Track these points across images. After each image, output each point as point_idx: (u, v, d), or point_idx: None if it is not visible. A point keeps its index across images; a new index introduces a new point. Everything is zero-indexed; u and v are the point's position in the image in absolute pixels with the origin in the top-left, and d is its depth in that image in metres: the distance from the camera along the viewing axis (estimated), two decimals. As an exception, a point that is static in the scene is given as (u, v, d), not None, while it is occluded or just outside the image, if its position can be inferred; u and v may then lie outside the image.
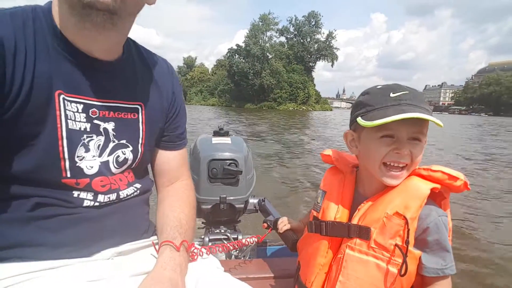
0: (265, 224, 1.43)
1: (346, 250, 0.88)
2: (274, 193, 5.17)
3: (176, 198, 0.93)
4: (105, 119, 0.78)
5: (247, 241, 1.32)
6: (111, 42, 0.74)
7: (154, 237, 0.91)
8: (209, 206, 1.61)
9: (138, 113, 0.84)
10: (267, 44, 64.09)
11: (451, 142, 14.54)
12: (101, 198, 0.78)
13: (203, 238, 1.65)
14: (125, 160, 0.83)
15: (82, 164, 0.75)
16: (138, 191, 0.88)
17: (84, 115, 0.74)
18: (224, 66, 76.97)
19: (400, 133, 0.83)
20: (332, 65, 73.54)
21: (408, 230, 0.80)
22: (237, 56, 64.78)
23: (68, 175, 0.73)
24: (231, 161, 1.61)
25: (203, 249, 0.89)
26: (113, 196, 0.81)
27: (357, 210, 0.90)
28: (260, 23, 64.06)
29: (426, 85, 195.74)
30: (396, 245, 0.81)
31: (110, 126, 0.79)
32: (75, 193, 0.75)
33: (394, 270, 0.81)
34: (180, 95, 0.98)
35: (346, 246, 0.88)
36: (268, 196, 1.81)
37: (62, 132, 0.71)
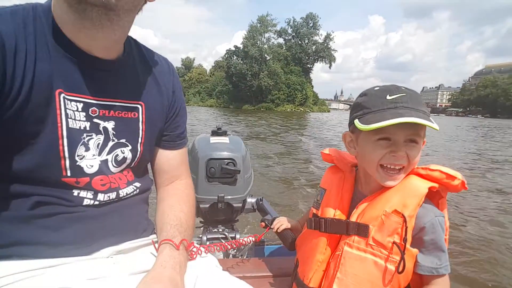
0: (263, 223, 1.43)
1: (344, 247, 0.89)
2: (272, 192, 5.18)
3: (176, 197, 0.94)
4: (105, 118, 0.78)
5: (245, 241, 1.32)
6: (110, 40, 0.74)
7: (154, 236, 0.91)
8: (207, 205, 1.62)
9: (138, 112, 0.84)
10: (265, 46, 64.09)
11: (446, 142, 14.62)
12: (101, 197, 0.78)
13: (201, 237, 1.65)
14: (124, 159, 0.83)
15: (82, 163, 0.75)
16: (137, 190, 0.88)
17: (84, 114, 0.74)
18: (222, 68, 76.85)
19: (396, 136, 0.84)
20: (330, 67, 73.69)
21: (406, 228, 0.81)
22: (235, 57, 64.75)
23: (68, 174, 0.73)
24: (229, 161, 1.62)
25: (201, 248, 0.89)
26: (112, 195, 0.81)
27: (355, 208, 0.92)
28: (258, 25, 64.07)
29: (423, 87, 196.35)
30: (394, 242, 0.82)
31: (110, 125, 0.79)
32: (75, 192, 0.75)
33: (391, 267, 0.82)
34: (181, 94, 0.98)
35: (345, 243, 0.89)
36: (266, 195, 1.82)
37: (63, 131, 0.71)
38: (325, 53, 69.73)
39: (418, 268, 0.84)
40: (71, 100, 0.72)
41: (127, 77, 0.82)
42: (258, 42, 63.33)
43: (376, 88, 0.90)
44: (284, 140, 13.16)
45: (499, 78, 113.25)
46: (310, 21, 69.41)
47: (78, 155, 0.74)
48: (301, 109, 62.80)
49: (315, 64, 72.57)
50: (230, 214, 1.70)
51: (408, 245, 0.81)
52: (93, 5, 0.64)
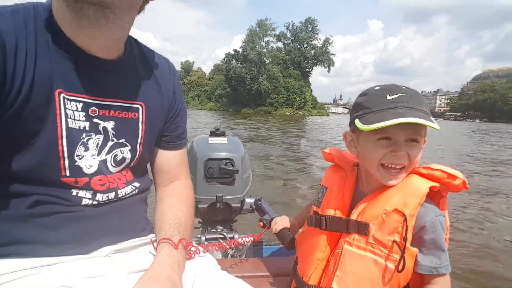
0: (261, 223, 1.43)
1: (344, 245, 0.89)
2: (271, 192, 5.21)
3: (175, 197, 0.93)
4: (104, 118, 0.78)
5: (244, 240, 1.32)
6: (109, 40, 0.73)
7: (152, 235, 0.91)
8: (206, 205, 1.62)
9: (138, 113, 0.84)
10: (264, 50, 64.38)
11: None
12: (99, 197, 0.78)
13: (200, 237, 1.65)
14: (123, 159, 0.83)
15: (81, 163, 0.74)
16: (136, 190, 0.88)
17: (84, 113, 0.74)
18: (221, 71, 77.06)
19: (397, 136, 0.84)
20: (328, 71, 73.96)
21: (407, 227, 0.81)
22: (234, 61, 64.99)
23: (67, 174, 0.73)
24: (227, 161, 1.62)
25: (200, 248, 0.88)
26: (111, 195, 0.80)
27: (356, 207, 0.92)
28: (257, 29, 64.37)
29: (422, 91, 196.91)
30: (394, 241, 0.82)
31: (109, 125, 0.79)
32: (74, 192, 0.75)
33: (391, 266, 0.82)
34: (181, 95, 0.98)
35: (345, 241, 0.89)
36: (264, 196, 1.82)
37: (62, 131, 0.71)
38: (324, 57, 70.05)
39: (418, 267, 0.84)
40: (70, 100, 0.71)
41: (128, 77, 0.82)
42: (257, 46, 63.60)
43: (376, 88, 0.90)
44: (282, 142, 13.26)
45: (497, 82, 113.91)
46: (309, 26, 69.80)
47: (77, 155, 0.74)
48: (300, 112, 62.94)
49: (314, 68, 72.95)
50: (229, 214, 1.70)
51: (408, 244, 0.81)
52: (90, 3, 0.63)
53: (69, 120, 0.71)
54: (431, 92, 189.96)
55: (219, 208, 1.62)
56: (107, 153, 0.80)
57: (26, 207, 0.70)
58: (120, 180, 0.83)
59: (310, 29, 69.77)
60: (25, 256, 0.69)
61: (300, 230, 1.17)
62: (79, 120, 0.73)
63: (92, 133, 0.76)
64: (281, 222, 1.29)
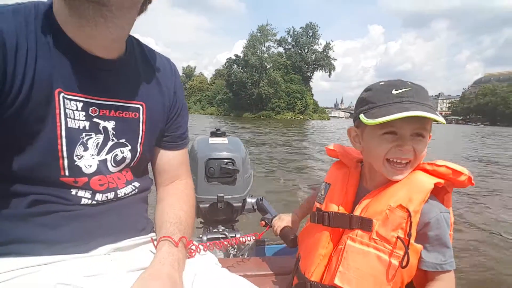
0: (263, 222, 1.43)
1: (347, 241, 0.88)
2: (272, 193, 5.22)
3: (176, 196, 0.93)
4: (105, 118, 0.78)
5: (245, 239, 1.32)
6: (108, 39, 0.72)
7: (153, 234, 0.90)
8: (207, 205, 1.62)
9: (139, 113, 0.84)
10: (265, 55, 64.54)
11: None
12: (98, 197, 0.78)
13: (201, 237, 1.65)
14: (123, 159, 0.83)
15: (80, 163, 0.74)
16: (136, 190, 0.88)
17: (84, 113, 0.74)
18: (222, 76, 77.27)
19: (402, 130, 0.83)
20: (329, 75, 74.22)
21: (411, 223, 0.80)
22: (235, 66, 65.18)
23: (67, 173, 0.73)
24: (228, 160, 1.62)
25: (200, 246, 0.88)
26: (111, 195, 0.80)
27: (359, 203, 0.91)
28: (258, 34, 64.65)
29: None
30: (398, 237, 0.81)
31: (110, 125, 0.79)
32: (73, 191, 0.75)
33: (395, 262, 0.81)
34: (182, 95, 0.98)
35: (348, 237, 0.89)
36: (266, 196, 1.82)
37: (61, 131, 0.70)
38: (324, 62, 70.26)
39: (422, 264, 0.83)
40: (70, 100, 0.71)
41: (128, 77, 0.82)
42: (258, 51, 63.80)
43: (381, 83, 0.90)
44: (283, 145, 13.34)
45: (498, 86, 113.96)
46: (309, 31, 70.14)
47: (76, 155, 0.73)
48: (301, 117, 62.97)
49: (315, 72, 73.16)
50: (230, 214, 1.70)
51: (412, 241, 0.80)
52: (87, 1, 0.63)
53: (68, 119, 0.71)
54: (432, 96, 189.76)
55: (221, 207, 1.62)
56: (107, 153, 0.79)
57: (25, 206, 0.70)
58: (120, 180, 0.83)
59: (310, 34, 70.12)
60: (24, 255, 0.69)
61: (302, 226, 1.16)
62: (79, 120, 0.73)
63: (92, 133, 0.76)
64: (283, 220, 1.29)
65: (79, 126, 0.73)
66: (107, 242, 0.78)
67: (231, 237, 1.64)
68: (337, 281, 0.86)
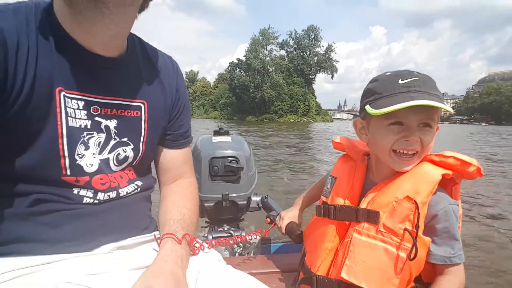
0: (268, 219, 1.42)
1: (353, 234, 0.87)
2: (277, 192, 5.28)
3: (179, 194, 0.93)
4: (107, 117, 0.77)
5: (250, 237, 1.30)
6: (106, 36, 0.71)
7: (156, 232, 0.90)
8: (212, 204, 1.61)
9: (141, 111, 0.83)
10: (268, 58, 64.75)
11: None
12: (100, 196, 0.77)
13: (207, 236, 1.64)
14: (126, 158, 0.82)
15: (82, 162, 0.74)
16: (139, 189, 0.87)
17: (85, 112, 0.74)
18: (225, 80, 77.63)
19: (409, 120, 0.82)
20: (332, 77, 74.27)
21: (418, 214, 0.79)
22: (238, 69, 65.43)
23: (68, 172, 0.72)
24: (232, 158, 1.61)
25: (204, 244, 0.87)
26: (113, 194, 0.80)
27: (366, 196, 0.90)
28: (260, 38, 64.91)
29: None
30: (405, 229, 0.79)
31: (112, 123, 0.78)
32: (75, 190, 0.74)
33: (403, 254, 0.79)
34: (185, 93, 0.97)
35: (354, 230, 0.87)
36: (271, 195, 1.81)
37: (62, 130, 0.70)
38: (327, 64, 70.35)
39: (431, 257, 0.82)
40: (71, 98, 0.71)
41: (130, 75, 0.81)
42: (261, 54, 64.04)
43: (387, 74, 0.88)
44: (286, 146, 13.54)
45: (502, 85, 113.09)
46: (311, 33, 70.31)
47: (77, 154, 0.73)
48: (304, 119, 62.96)
49: (317, 75, 73.26)
50: (235, 213, 1.69)
51: (420, 233, 0.79)
52: None
53: (69, 118, 0.71)
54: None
55: (226, 206, 1.61)
56: (109, 152, 0.79)
57: (27, 206, 0.70)
58: (122, 179, 0.83)
59: (312, 36, 70.29)
60: (27, 254, 0.68)
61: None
62: (80, 119, 0.73)
63: (94, 132, 0.75)
64: (288, 216, 1.28)
65: (80, 125, 0.73)
66: (110, 241, 0.78)
67: (237, 235, 1.63)
68: (343, 275, 0.85)
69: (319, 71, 72.21)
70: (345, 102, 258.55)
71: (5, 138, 0.66)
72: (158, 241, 0.80)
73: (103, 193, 0.78)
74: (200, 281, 0.73)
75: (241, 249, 1.63)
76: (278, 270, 1.22)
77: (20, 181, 0.70)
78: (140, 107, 0.83)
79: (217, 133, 1.83)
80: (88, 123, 0.74)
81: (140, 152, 0.85)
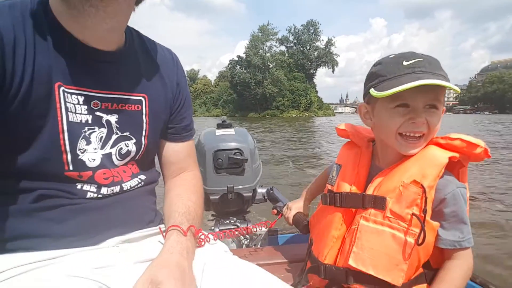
0: (275, 210, 1.41)
1: (360, 221, 0.85)
2: (282, 183, 5.33)
3: (184, 187, 0.92)
4: (108, 111, 0.77)
5: (257, 228, 1.29)
6: (102, 29, 0.70)
7: (162, 225, 0.89)
8: (217, 197, 1.61)
9: (141, 105, 0.83)
10: (268, 54, 64.62)
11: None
12: (104, 190, 0.77)
13: (213, 229, 1.63)
14: (128, 152, 0.82)
15: (84, 157, 0.74)
16: (142, 183, 0.87)
17: (86, 107, 0.73)
18: (226, 77, 77.52)
19: (415, 102, 0.80)
20: (333, 71, 74.00)
21: (426, 198, 0.77)
22: (238, 67, 65.35)
23: (71, 168, 0.72)
24: (236, 151, 1.61)
25: (210, 235, 0.87)
26: (116, 189, 0.80)
27: (372, 182, 0.88)
28: (260, 34, 64.70)
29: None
30: (413, 214, 0.78)
31: (113, 118, 0.78)
32: (79, 185, 0.74)
33: (411, 240, 0.78)
34: (185, 86, 0.97)
35: (361, 217, 0.86)
36: (276, 185, 1.80)
37: (63, 125, 0.70)
38: (327, 58, 70.13)
39: (439, 242, 0.81)
40: (71, 93, 0.71)
41: (129, 69, 0.81)
42: (261, 51, 63.88)
43: (391, 56, 0.87)
44: (288, 140, 13.67)
45: (505, 73, 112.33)
46: (311, 28, 70.00)
47: (79, 149, 0.73)
48: (306, 114, 62.86)
49: (318, 69, 72.99)
50: (241, 205, 1.68)
51: (428, 217, 0.78)
52: None
53: (69, 113, 0.71)
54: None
55: (231, 198, 1.61)
56: (112, 147, 0.79)
57: (31, 202, 0.70)
58: (125, 173, 0.83)
59: (312, 31, 70.01)
60: (32, 250, 0.68)
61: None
62: (80, 114, 0.72)
63: (95, 127, 0.75)
64: (294, 206, 1.27)
65: (81, 120, 0.73)
66: (114, 234, 0.78)
67: (243, 227, 1.62)
68: (351, 262, 0.84)
69: (320, 66, 72.00)
70: (347, 96, 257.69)
71: (6, 135, 0.66)
72: (164, 234, 0.80)
73: (106, 188, 0.78)
74: (206, 272, 0.72)
75: (248, 241, 1.63)
76: (285, 260, 1.21)
77: (23, 177, 0.70)
78: (141, 101, 0.83)
79: (220, 126, 1.82)
80: (89, 118, 0.74)
81: (143, 146, 0.85)
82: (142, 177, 0.87)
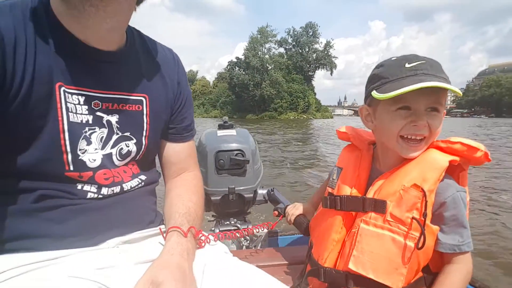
0: (276, 212, 1.41)
1: (360, 225, 0.86)
2: (283, 185, 5.31)
3: (184, 188, 0.92)
4: (108, 111, 0.77)
5: (257, 229, 1.30)
6: (102, 29, 0.70)
7: (162, 226, 0.89)
8: (218, 198, 1.61)
9: (142, 105, 0.83)
10: (266, 56, 64.51)
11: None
12: (104, 190, 0.77)
13: (213, 230, 1.63)
14: (129, 152, 0.82)
15: (84, 157, 0.74)
16: (143, 183, 0.87)
17: (86, 107, 0.73)
18: (225, 79, 77.45)
19: (417, 104, 0.80)
20: (331, 74, 74.03)
21: (426, 202, 0.78)
22: (237, 68, 65.26)
23: (71, 168, 0.72)
24: (237, 152, 1.61)
25: (210, 236, 0.87)
26: (116, 189, 0.80)
27: (372, 185, 0.89)
28: (259, 36, 64.70)
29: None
30: (413, 218, 0.78)
31: (113, 118, 0.78)
32: (79, 186, 0.74)
33: (410, 244, 0.78)
34: (186, 85, 0.97)
35: (361, 220, 0.86)
36: (277, 187, 1.80)
37: (64, 125, 0.70)
38: (326, 61, 70.16)
39: (439, 246, 0.81)
40: (72, 94, 0.71)
41: (130, 69, 0.81)
42: (259, 52, 63.81)
43: (393, 58, 0.87)
44: (287, 142, 13.79)
45: (502, 77, 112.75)
46: (309, 30, 70.07)
47: (80, 149, 0.73)
48: (304, 116, 62.85)
49: (316, 71, 73.04)
50: (242, 206, 1.69)
51: (428, 221, 0.78)
52: None
53: (70, 114, 0.71)
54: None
55: (232, 199, 1.61)
56: (112, 147, 0.79)
57: (31, 202, 0.70)
58: (126, 174, 0.83)
59: (311, 33, 70.06)
60: (32, 250, 0.68)
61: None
62: (81, 114, 0.72)
63: (96, 127, 0.75)
64: (296, 209, 1.27)
65: (81, 120, 0.73)
66: (115, 235, 0.78)
67: (243, 228, 1.62)
68: (351, 266, 0.84)
69: (318, 68, 72.08)
70: (345, 98, 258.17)
71: (6, 135, 0.66)
72: (164, 234, 0.80)
73: (107, 188, 0.78)
74: (206, 273, 0.72)
75: (248, 242, 1.63)
76: (285, 262, 1.22)
77: (24, 177, 0.69)
78: (142, 101, 0.83)
79: (221, 126, 1.83)
80: (90, 118, 0.74)
81: (143, 146, 0.85)
82: (143, 177, 0.87)
